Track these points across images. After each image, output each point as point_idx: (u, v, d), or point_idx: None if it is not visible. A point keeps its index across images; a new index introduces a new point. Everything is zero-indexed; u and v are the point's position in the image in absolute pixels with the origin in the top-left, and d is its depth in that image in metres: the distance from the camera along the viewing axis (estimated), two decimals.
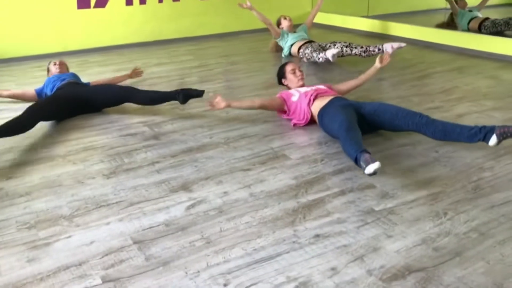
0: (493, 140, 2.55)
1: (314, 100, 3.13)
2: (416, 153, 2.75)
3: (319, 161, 2.68)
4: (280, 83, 3.58)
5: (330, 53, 4.50)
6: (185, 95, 3.49)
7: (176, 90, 3.55)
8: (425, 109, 3.41)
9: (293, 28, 5.64)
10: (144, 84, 4.42)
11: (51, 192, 2.44)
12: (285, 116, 3.31)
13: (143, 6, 6.22)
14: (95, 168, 2.70)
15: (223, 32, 6.89)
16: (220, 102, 3.19)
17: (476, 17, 6.27)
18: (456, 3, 6.47)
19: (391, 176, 2.49)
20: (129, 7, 6.14)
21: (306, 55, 4.93)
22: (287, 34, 5.45)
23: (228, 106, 3.20)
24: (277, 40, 5.48)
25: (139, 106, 3.66)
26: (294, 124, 3.19)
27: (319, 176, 2.50)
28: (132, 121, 3.45)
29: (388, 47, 4.65)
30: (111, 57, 5.68)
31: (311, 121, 3.17)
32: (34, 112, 3.22)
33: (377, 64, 3.57)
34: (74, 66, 5.24)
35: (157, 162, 2.75)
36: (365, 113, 2.85)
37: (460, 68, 4.64)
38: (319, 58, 4.69)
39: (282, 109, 3.29)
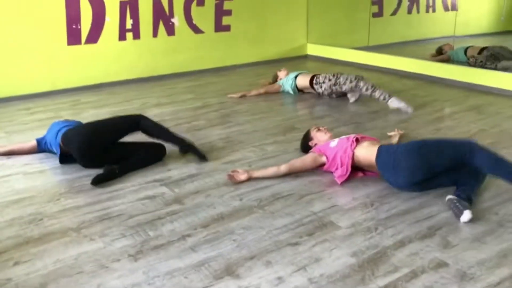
0: None
1: (357, 142, 2.88)
2: (474, 217, 2.49)
3: (373, 230, 2.39)
4: (308, 148, 3.24)
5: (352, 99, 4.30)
6: (187, 150, 3.36)
7: (183, 142, 3.36)
8: None
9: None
10: None
11: (71, 283, 2.06)
12: (324, 168, 3.02)
13: (136, 41, 5.90)
14: (117, 246, 2.33)
15: (220, 66, 6.62)
16: (240, 175, 2.92)
17: (470, 46, 6.20)
18: (441, 53, 6.41)
19: (459, 248, 2.22)
20: (122, 42, 5.81)
21: (326, 88, 4.77)
22: (286, 77, 5.23)
23: (250, 178, 2.94)
24: (282, 90, 5.24)
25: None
26: (341, 182, 2.89)
27: (380, 252, 2.21)
28: (146, 179, 3.10)
29: (395, 102, 4.39)
30: (105, 97, 5.31)
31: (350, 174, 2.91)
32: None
33: (394, 141, 3.41)
34: (67, 108, 4.88)
35: (188, 235, 2.41)
36: None
37: (477, 107, 4.47)
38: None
39: (317, 165, 3.00)
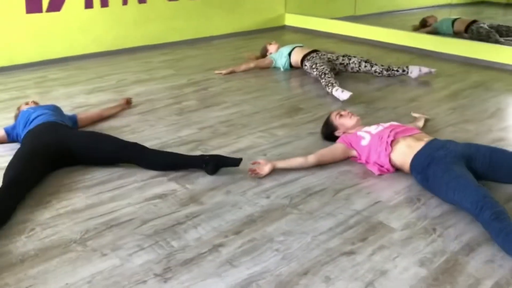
0: None
1: (393, 144, 2.54)
2: None
3: (433, 232, 2.11)
4: (334, 137, 2.86)
5: (344, 96, 3.72)
6: (216, 165, 2.58)
7: (203, 157, 2.61)
8: (488, 142, 2.94)
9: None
10: (134, 112, 3.60)
11: None
12: (359, 161, 2.70)
13: (104, 9, 5.25)
14: (137, 262, 1.91)
15: (194, 38, 6.08)
16: (264, 166, 2.54)
17: (458, 18, 6.03)
18: (426, 25, 6.19)
19: None
20: (89, 11, 5.14)
21: (313, 72, 4.30)
22: (279, 52, 4.80)
23: (273, 168, 2.56)
24: (273, 66, 4.80)
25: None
26: (380, 173, 2.58)
27: (450, 260, 1.92)
28: (149, 173, 2.65)
29: (415, 70, 4.17)
30: (74, 72, 4.69)
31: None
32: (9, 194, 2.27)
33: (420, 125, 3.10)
34: (32, 86, 4.26)
35: (220, 245, 2.02)
36: (478, 169, 2.28)
37: (483, 83, 4.27)
38: (328, 90, 3.91)
39: (348, 157, 2.68)
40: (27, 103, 3.16)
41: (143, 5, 5.54)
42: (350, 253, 1.97)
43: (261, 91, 4.10)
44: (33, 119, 2.88)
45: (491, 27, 5.66)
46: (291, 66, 4.70)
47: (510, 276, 1.83)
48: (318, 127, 3.23)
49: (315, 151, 2.88)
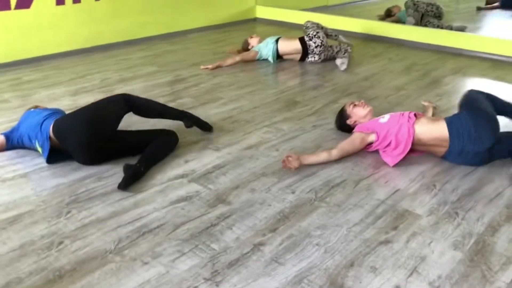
0: None
1: (416, 117, 2.68)
2: None
3: (456, 216, 2.23)
4: (349, 128, 2.97)
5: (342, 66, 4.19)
6: (196, 123, 3.10)
7: (185, 113, 3.08)
8: None
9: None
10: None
11: None
12: (372, 148, 2.77)
13: (76, 4, 5.04)
14: (183, 268, 1.90)
15: (169, 32, 5.97)
16: (294, 161, 2.57)
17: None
18: (391, 15, 6.41)
19: None
20: (60, 7, 4.93)
21: (321, 42, 4.58)
22: (264, 42, 4.83)
23: (300, 164, 2.61)
24: (258, 58, 4.81)
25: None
26: (394, 164, 2.66)
27: (479, 241, 2.04)
28: (166, 175, 2.61)
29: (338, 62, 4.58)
30: (51, 73, 4.50)
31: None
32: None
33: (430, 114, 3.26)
34: (8, 89, 4.06)
35: (260, 244, 2.05)
36: None
37: (459, 70, 4.49)
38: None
39: (365, 145, 2.75)
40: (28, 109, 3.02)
41: (116, 0, 5.37)
42: (387, 242, 2.05)
43: (253, 85, 4.11)
44: (46, 116, 2.74)
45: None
46: (278, 55, 4.72)
47: None
48: (320, 119, 3.29)
49: (323, 143, 2.97)
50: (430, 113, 3.22)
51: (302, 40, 4.63)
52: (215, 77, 4.35)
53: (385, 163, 2.70)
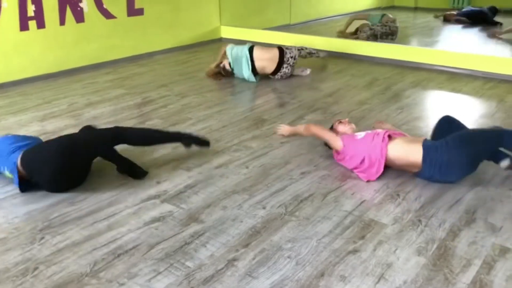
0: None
1: (389, 139, 2.78)
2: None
3: (419, 223, 2.35)
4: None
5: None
6: (193, 141, 3.12)
7: (183, 135, 3.11)
8: None
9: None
10: None
11: None
12: (337, 159, 2.91)
13: (41, 30, 5.04)
14: (159, 287, 1.94)
15: (135, 55, 6.01)
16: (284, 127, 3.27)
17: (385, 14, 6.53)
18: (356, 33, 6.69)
19: (507, 229, 2.27)
20: (24, 33, 4.92)
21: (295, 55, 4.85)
22: (233, 47, 4.98)
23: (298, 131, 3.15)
24: (230, 62, 4.92)
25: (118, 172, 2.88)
26: (368, 180, 2.76)
27: (441, 246, 2.16)
28: (139, 196, 2.65)
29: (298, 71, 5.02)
30: (17, 99, 4.47)
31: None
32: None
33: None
34: None
35: (234, 259, 2.11)
36: None
37: (419, 83, 4.71)
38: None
39: (331, 144, 2.93)
40: None
41: (81, 24, 5.39)
42: (355, 251, 2.15)
43: (221, 105, 4.19)
44: (17, 147, 2.72)
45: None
46: (253, 64, 4.78)
47: (493, 253, 2.11)
48: (287, 136, 3.40)
49: (292, 159, 3.08)
50: (387, 125, 3.36)
51: (280, 49, 4.81)
52: (183, 98, 4.42)
53: (351, 176, 2.82)
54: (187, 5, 6.57)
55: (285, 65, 4.77)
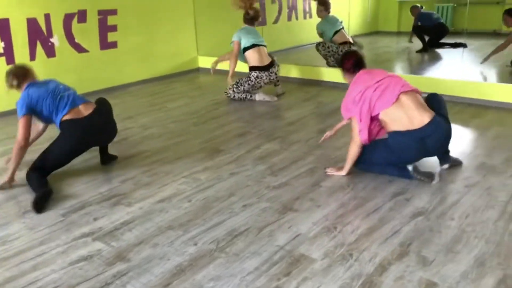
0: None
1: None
2: (434, 225, 2.52)
3: (350, 257, 2.27)
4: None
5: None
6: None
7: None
8: None
9: None
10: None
11: None
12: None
13: (10, 66, 5.08)
14: None
15: (110, 87, 6.06)
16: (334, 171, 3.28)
17: (340, 30, 6.38)
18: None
19: (438, 263, 2.20)
20: None
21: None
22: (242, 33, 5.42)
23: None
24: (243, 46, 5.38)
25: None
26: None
27: (367, 282, 2.08)
28: (72, 234, 2.60)
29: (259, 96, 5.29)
30: None
31: None
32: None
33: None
34: None
35: None
36: None
37: None
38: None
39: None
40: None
41: (52, 59, 5.45)
42: None
43: (181, 136, 4.17)
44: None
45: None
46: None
47: None
48: (238, 167, 3.36)
49: (237, 191, 3.02)
50: (339, 125, 3.41)
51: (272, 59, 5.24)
52: (146, 130, 4.41)
53: (292, 208, 2.76)
54: (163, 37, 6.64)
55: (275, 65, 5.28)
